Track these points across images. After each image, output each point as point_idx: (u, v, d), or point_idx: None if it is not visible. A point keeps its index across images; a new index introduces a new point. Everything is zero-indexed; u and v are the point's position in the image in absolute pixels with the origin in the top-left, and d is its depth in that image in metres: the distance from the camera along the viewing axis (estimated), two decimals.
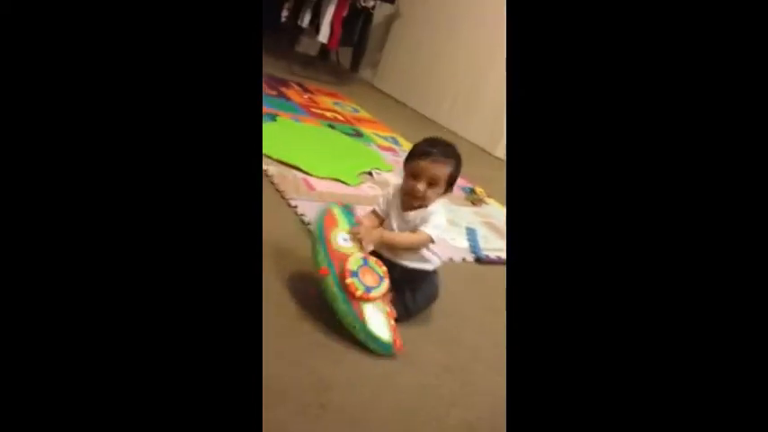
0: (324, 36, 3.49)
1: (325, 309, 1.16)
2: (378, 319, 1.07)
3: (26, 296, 0.49)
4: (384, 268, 1.17)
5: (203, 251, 0.53)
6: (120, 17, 0.53)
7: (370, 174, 2.17)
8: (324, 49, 4.06)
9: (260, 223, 0.75)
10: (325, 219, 1.20)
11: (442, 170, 1.20)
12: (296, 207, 1.67)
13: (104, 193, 0.52)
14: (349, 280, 1.09)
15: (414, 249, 1.26)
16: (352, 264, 1.12)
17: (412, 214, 1.24)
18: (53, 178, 0.51)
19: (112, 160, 0.52)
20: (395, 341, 1.07)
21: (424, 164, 1.19)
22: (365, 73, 4.34)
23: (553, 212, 0.53)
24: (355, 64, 4.06)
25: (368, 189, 2.02)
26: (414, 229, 1.24)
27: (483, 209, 2.31)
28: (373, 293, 1.10)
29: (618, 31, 0.52)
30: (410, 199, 1.23)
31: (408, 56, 3.99)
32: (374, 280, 1.13)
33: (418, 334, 1.22)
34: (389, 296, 1.16)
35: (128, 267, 0.52)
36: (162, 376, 0.51)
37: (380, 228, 1.28)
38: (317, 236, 1.18)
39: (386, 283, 1.14)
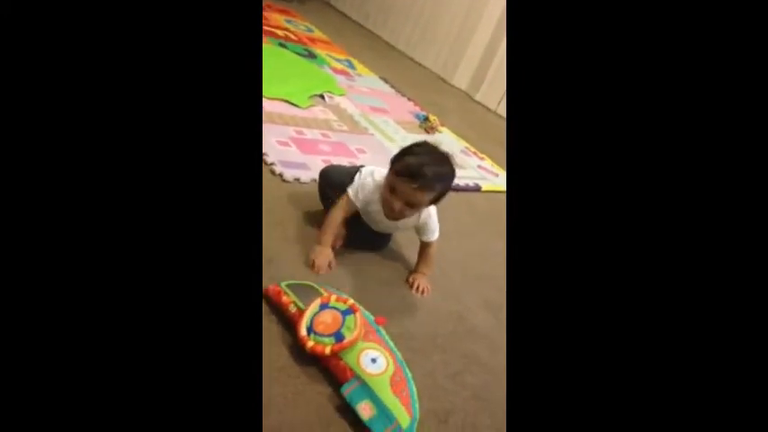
0: None
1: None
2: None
3: (23, 300, 0.47)
4: (350, 301, 0.95)
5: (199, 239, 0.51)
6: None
7: (321, 97, 2.11)
8: None
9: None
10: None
11: (424, 197, 1.09)
12: None
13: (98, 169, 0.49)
14: (310, 344, 0.85)
15: None
16: (305, 322, 0.88)
17: (401, 222, 1.18)
18: (45, 174, 0.48)
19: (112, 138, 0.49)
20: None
21: (407, 188, 1.07)
22: None
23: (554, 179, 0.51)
24: None
25: (319, 112, 1.96)
26: (410, 230, 1.23)
27: (435, 137, 2.30)
28: (347, 338, 0.85)
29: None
30: (387, 210, 1.15)
31: None
32: (335, 320, 0.89)
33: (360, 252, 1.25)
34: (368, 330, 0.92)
35: (120, 247, 0.49)
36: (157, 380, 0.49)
37: (421, 274, 1.23)
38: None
39: (355, 318, 0.90)
